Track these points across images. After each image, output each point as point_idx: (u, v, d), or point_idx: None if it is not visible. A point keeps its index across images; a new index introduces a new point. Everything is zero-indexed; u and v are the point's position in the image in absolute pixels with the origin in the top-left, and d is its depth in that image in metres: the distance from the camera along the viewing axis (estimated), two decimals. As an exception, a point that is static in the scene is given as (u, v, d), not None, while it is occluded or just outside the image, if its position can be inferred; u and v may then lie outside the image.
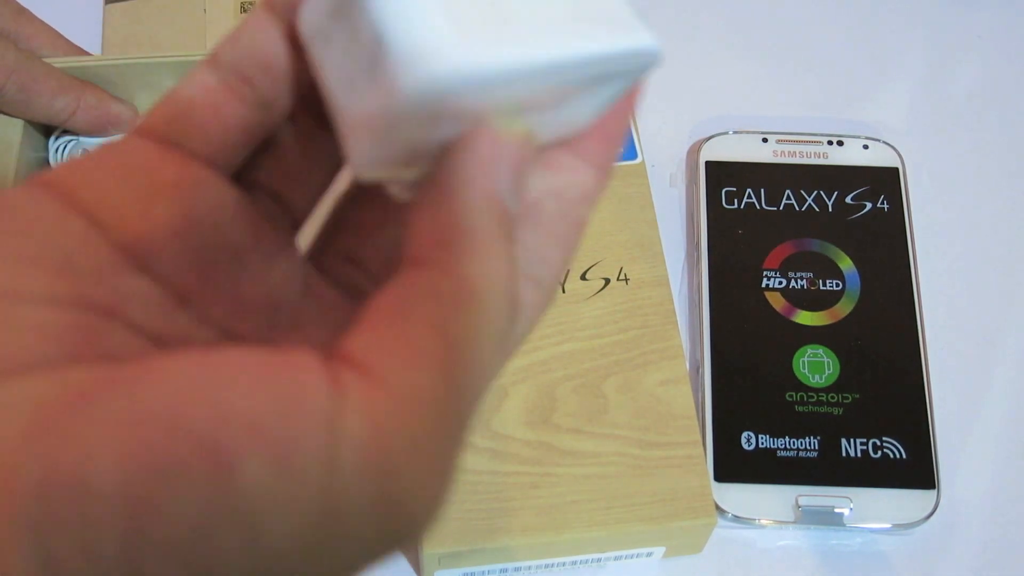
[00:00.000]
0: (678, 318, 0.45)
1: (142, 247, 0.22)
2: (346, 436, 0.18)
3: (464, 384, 0.20)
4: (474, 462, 0.42)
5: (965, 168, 0.54)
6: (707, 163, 0.52)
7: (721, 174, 0.52)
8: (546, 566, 0.43)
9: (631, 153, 0.49)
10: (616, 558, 0.43)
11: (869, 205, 0.51)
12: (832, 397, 0.46)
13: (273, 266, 0.24)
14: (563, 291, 0.46)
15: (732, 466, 0.45)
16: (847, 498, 0.44)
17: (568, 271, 0.46)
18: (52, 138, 0.49)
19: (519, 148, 0.22)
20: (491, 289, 0.21)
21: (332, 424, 0.18)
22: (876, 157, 0.52)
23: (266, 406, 0.17)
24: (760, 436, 0.46)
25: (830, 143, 0.53)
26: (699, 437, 0.43)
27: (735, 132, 0.53)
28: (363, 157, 0.21)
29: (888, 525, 0.44)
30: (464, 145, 0.21)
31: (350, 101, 0.21)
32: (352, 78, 0.20)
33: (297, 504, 0.17)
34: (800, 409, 0.46)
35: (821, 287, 0.49)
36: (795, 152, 0.52)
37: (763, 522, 0.44)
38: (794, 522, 0.44)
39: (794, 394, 0.46)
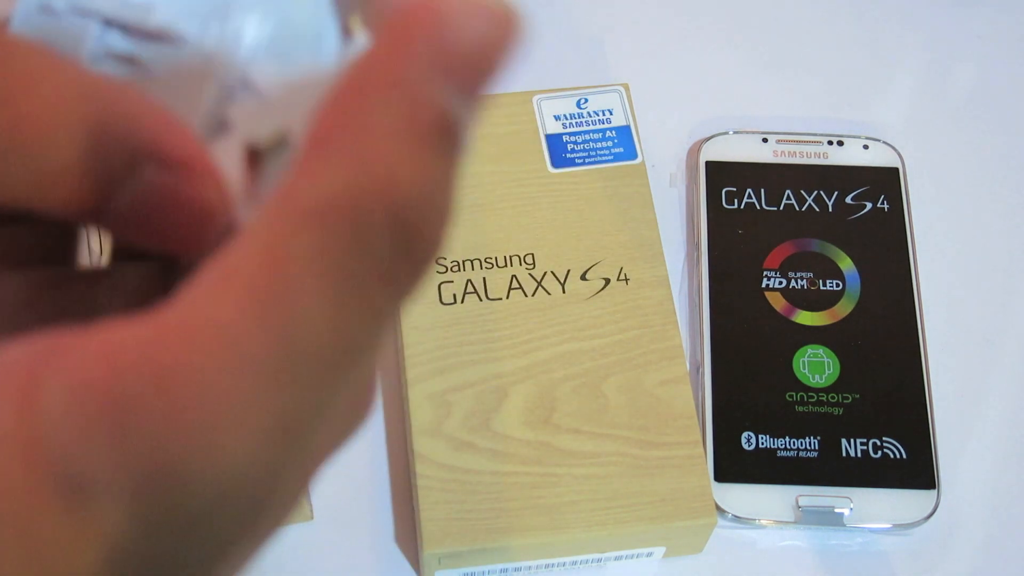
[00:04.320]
0: (678, 318, 0.45)
1: None
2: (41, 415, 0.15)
3: (296, 322, 0.15)
4: (474, 462, 0.42)
5: (965, 168, 0.54)
6: (707, 163, 0.52)
7: (721, 174, 0.52)
8: (546, 566, 0.43)
9: (631, 153, 0.49)
10: (616, 558, 0.43)
11: (869, 205, 0.51)
12: (832, 397, 0.46)
13: None
14: (563, 291, 0.46)
15: (732, 466, 0.45)
16: (847, 498, 0.44)
17: (569, 271, 0.46)
18: None
19: (486, 24, 0.16)
20: (383, 202, 0.15)
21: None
22: (876, 157, 0.52)
23: None
24: (760, 436, 0.46)
25: (830, 143, 0.53)
26: (699, 437, 0.43)
27: (735, 132, 0.53)
28: None
29: (888, 525, 0.44)
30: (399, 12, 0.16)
31: None
32: None
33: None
34: (800, 409, 0.46)
35: (821, 287, 0.49)
36: (795, 152, 0.52)
37: (763, 522, 0.44)
38: (794, 522, 0.44)
39: (794, 394, 0.46)
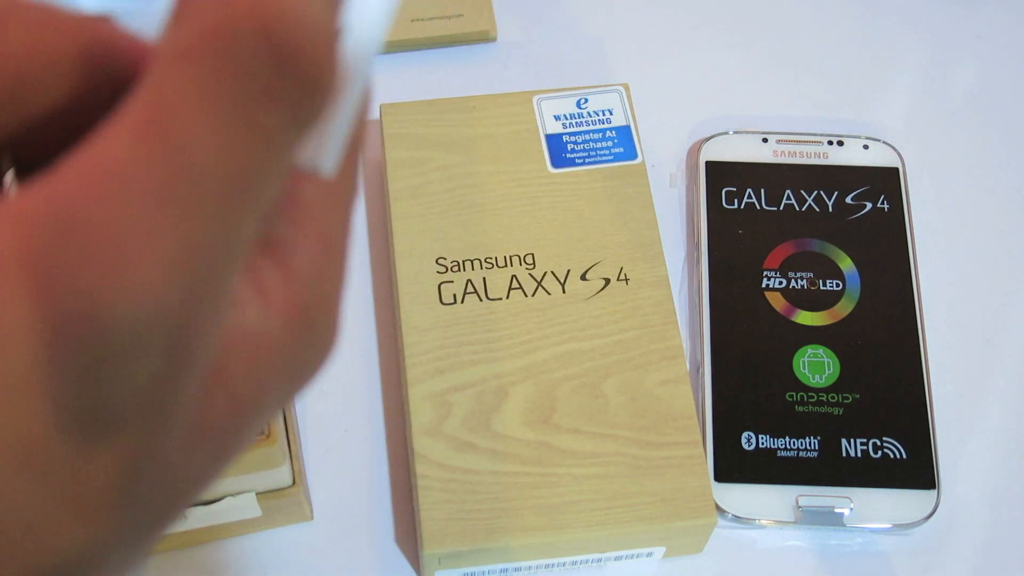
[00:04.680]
0: (678, 318, 0.45)
1: None
2: None
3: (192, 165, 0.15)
4: (474, 462, 0.42)
5: (965, 168, 0.54)
6: (707, 163, 0.52)
7: (721, 174, 0.52)
8: (546, 566, 0.43)
9: (631, 153, 0.49)
10: (616, 558, 0.43)
11: (869, 205, 0.51)
12: (832, 397, 0.46)
13: None
14: (563, 291, 0.46)
15: (732, 466, 0.45)
16: (847, 498, 0.44)
17: (569, 271, 0.46)
18: None
19: None
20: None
21: None
22: (876, 157, 0.52)
23: None
24: (760, 436, 0.46)
25: (830, 143, 0.53)
26: (699, 437, 0.43)
27: (735, 132, 0.53)
28: None
29: (888, 525, 0.44)
30: None
31: None
32: None
33: None
34: (800, 409, 0.46)
35: (821, 287, 0.49)
36: (795, 152, 0.52)
37: (763, 522, 0.44)
38: (794, 522, 0.44)
39: (794, 394, 0.46)
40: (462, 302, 0.45)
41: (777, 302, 0.49)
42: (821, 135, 0.53)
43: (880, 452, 0.45)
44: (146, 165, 0.15)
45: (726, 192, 0.51)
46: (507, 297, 0.45)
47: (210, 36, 0.15)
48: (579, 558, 0.43)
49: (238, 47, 0.15)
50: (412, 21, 0.56)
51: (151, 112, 0.15)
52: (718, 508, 0.44)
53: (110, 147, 0.15)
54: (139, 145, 0.15)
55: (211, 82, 0.15)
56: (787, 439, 0.46)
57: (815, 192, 0.51)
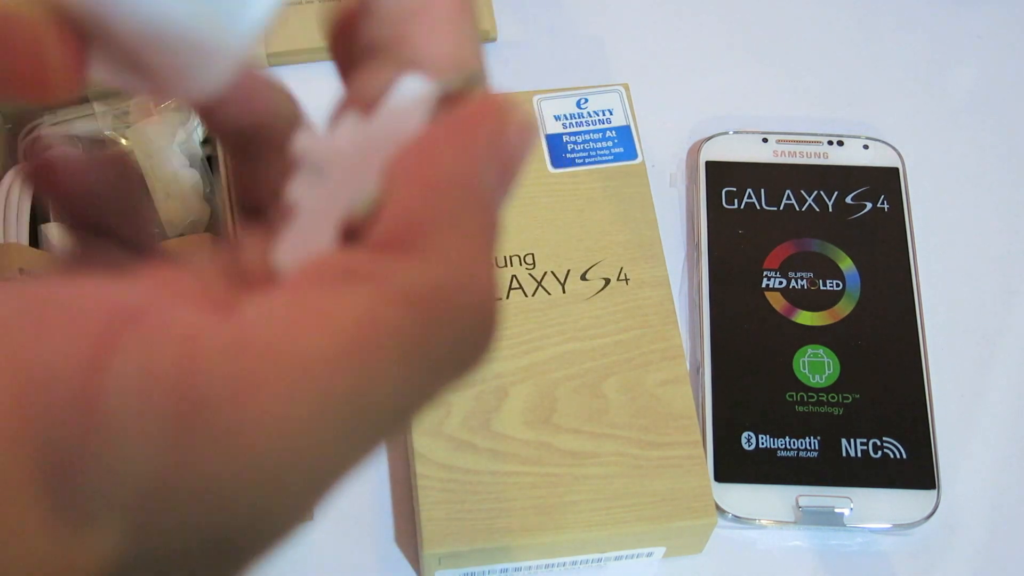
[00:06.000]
0: (678, 318, 0.45)
1: None
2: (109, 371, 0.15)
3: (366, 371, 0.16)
4: (474, 462, 0.42)
5: (965, 168, 0.54)
6: (707, 163, 0.52)
7: (721, 174, 0.52)
8: (546, 566, 0.43)
9: (631, 153, 0.49)
10: (616, 558, 0.43)
11: (869, 205, 0.51)
12: (832, 397, 0.46)
13: None
14: (563, 291, 0.46)
15: (732, 466, 0.45)
16: (847, 498, 0.44)
17: (569, 271, 0.46)
18: (21, 135, 0.49)
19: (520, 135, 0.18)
20: (450, 299, 0.17)
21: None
22: (876, 157, 0.52)
23: None
24: (760, 436, 0.46)
25: (830, 143, 0.53)
26: (699, 437, 0.43)
27: (735, 132, 0.53)
28: None
29: (888, 525, 0.44)
30: (470, 111, 0.18)
31: None
32: None
33: None
34: (800, 409, 0.46)
35: (821, 287, 0.49)
36: (795, 152, 0.52)
37: (763, 522, 0.44)
38: (794, 522, 0.44)
39: (794, 394, 0.46)
40: (462, 302, 0.45)
41: (777, 302, 0.49)
42: (821, 135, 0.53)
43: (880, 452, 0.45)
44: (336, 381, 0.16)
45: (726, 192, 0.51)
46: (507, 297, 0.45)
47: (435, 301, 0.17)
48: (579, 558, 0.43)
49: (454, 321, 0.17)
50: (412, 21, 0.56)
51: (359, 335, 0.16)
52: (718, 508, 0.44)
53: (307, 338, 0.16)
54: (339, 359, 0.16)
55: (419, 340, 0.16)
56: (787, 439, 0.46)
57: (815, 192, 0.51)
